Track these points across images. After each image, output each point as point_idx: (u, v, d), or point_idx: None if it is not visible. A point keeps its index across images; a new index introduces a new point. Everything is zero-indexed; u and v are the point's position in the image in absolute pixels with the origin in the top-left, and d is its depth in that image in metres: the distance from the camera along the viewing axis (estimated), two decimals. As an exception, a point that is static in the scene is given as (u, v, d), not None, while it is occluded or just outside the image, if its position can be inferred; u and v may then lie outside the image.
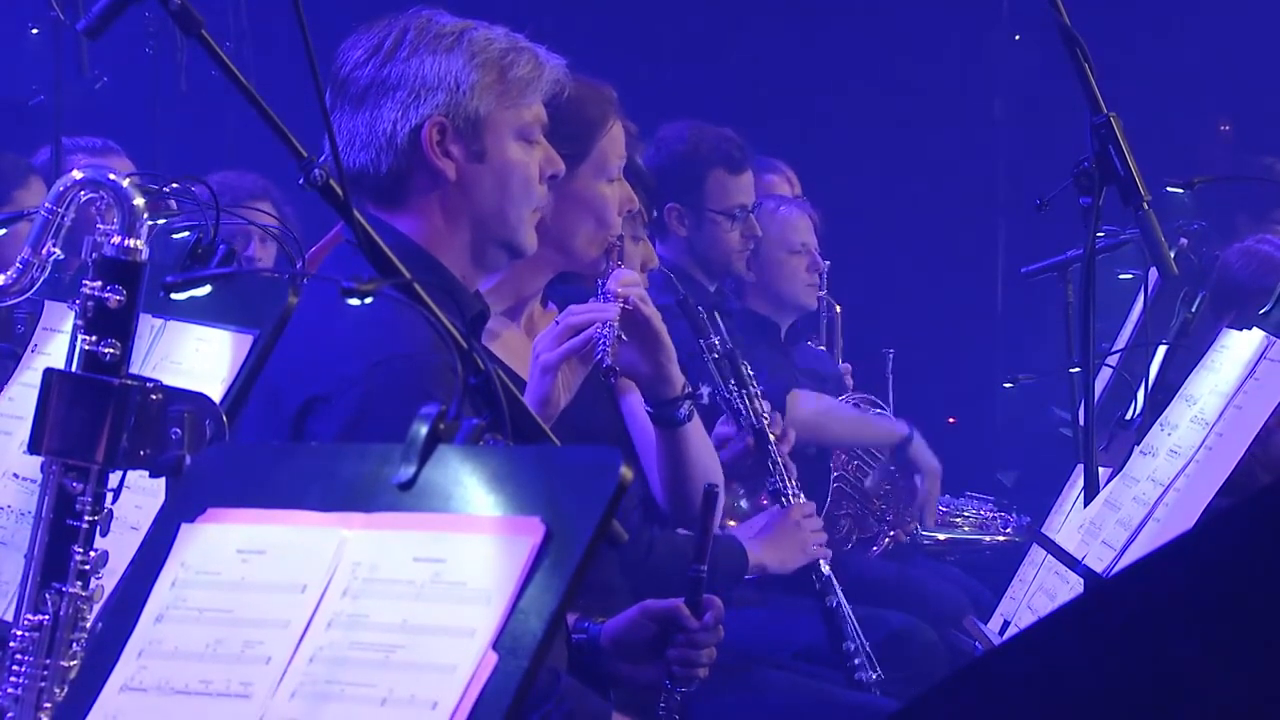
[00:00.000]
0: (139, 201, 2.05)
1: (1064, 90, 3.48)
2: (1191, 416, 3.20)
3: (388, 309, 2.69)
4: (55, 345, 2.55)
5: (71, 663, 1.97)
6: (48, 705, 1.96)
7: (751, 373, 4.22)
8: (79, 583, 1.98)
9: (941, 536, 5.87)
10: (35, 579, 1.99)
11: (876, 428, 5.43)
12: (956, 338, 8.45)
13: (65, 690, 1.95)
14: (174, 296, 2.16)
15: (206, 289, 2.19)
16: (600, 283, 3.42)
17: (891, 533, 5.47)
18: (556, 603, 1.51)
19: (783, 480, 4.17)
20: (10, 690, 1.97)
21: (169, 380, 2.12)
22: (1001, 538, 6.03)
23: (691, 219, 5.00)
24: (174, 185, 2.44)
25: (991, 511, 6.17)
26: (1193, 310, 4.84)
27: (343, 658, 1.56)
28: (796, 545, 4.13)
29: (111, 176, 2.09)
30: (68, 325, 2.47)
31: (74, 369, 2.02)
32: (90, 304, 2.01)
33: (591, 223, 3.49)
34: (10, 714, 1.96)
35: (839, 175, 7.64)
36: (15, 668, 1.97)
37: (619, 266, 3.47)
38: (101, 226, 2.05)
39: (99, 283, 2.01)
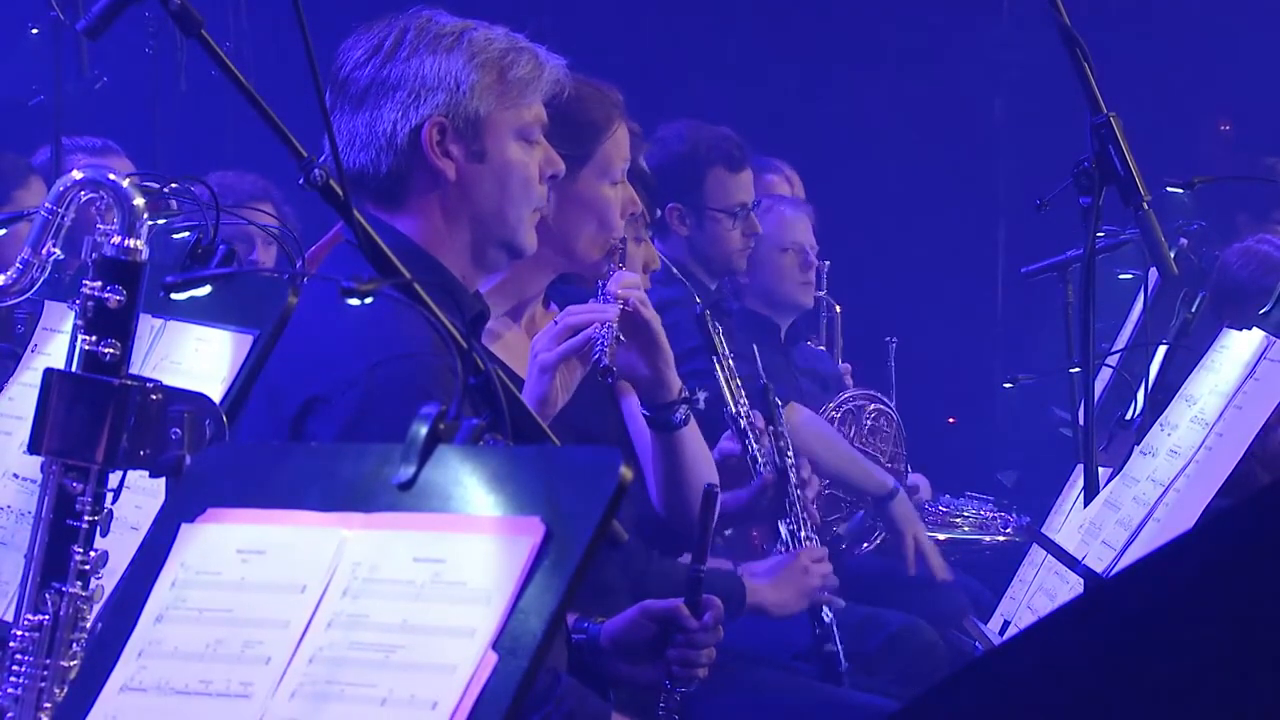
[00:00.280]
0: (139, 201, 2.05)
1: (1064, 90, 3.48)
2: (1191, 416, 3.20)
3: (387, 309, 2.69)
4: (55, 345, 2.55)
5: (71, 663, 1.97)
6: (48, 705, 1.96)
7: (780, 406, 4.20)
8: (79, 583, 1.98)
9: (941, 536, 5.85)
10: (35, 579, 1.98)
11: (865, 470, 5.22)
12: (956, 338, 8.44)
13: (65, 690, 1.95)
14: (174, 296, 2.16)
15: (206, 289, 2.19)
16: (600, 284, 3.42)
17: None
18: (556, 603, 1.50)
19: (798, 523, 4.15)
20: (10, 690, 1.96)
21: (169, 380, 2.12)
22: (1001, 538, 6.03)
23: (692, 218, 5.00)
24: (174, 185, 2.44)
25: (991, 511, 6.17)
26: (1193, 310, 4.85)
27: (343, 658, 1.56)
28: (799, 590, 4.08)
29: (111, 176, 2.09)
30: (68, 325, 2.46)
31: (74, 369, 2.02)
32: (90, 304, 2.01)
33: (594, 225, 3.49)
34: (10, 714, 1.96)
35: (839, 175, 7.64)
36: (15, 668, 1.97)
37: (620, 268, 3.46)
38: (101, 226, 2.05)
39: (99, 283, 2.01)
